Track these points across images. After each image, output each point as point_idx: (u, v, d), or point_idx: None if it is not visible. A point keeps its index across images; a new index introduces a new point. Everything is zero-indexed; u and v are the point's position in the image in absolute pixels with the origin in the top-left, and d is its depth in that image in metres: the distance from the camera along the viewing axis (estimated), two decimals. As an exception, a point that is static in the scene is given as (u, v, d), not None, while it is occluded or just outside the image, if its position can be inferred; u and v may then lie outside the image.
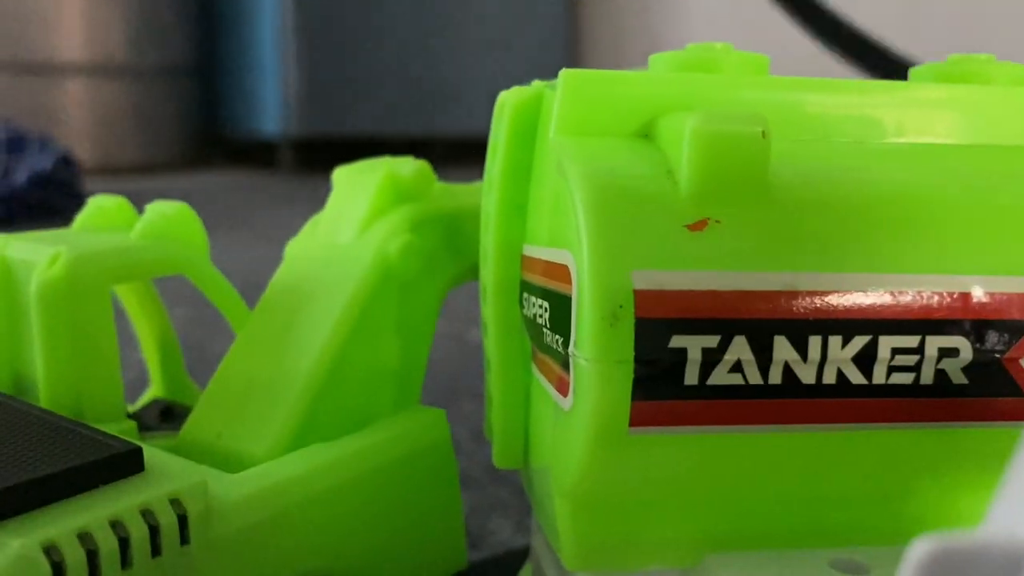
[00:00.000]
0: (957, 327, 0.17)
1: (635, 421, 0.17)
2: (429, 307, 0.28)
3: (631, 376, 0.16)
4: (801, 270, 0.17)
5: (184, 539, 0.20)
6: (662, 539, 0.19)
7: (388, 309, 0.27)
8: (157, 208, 0.27)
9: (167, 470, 0.20)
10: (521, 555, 0.32)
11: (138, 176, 1.68)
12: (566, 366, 0.18)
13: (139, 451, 0.20)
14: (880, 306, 0.17)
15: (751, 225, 0.17)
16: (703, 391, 0.17)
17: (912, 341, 0.17)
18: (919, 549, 0.09)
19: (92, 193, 0.32)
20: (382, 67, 1.74)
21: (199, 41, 1.88)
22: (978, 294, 0.17)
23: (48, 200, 1.10)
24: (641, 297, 0.16)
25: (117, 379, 0.25)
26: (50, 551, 0.17)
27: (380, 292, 0.26)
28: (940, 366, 0.17)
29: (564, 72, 0.19)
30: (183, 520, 0.19)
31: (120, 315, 0.27)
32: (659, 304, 0.16)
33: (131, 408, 0.30)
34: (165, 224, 0.26)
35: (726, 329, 0.17)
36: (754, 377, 0.17)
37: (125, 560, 0.18)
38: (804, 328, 0.17)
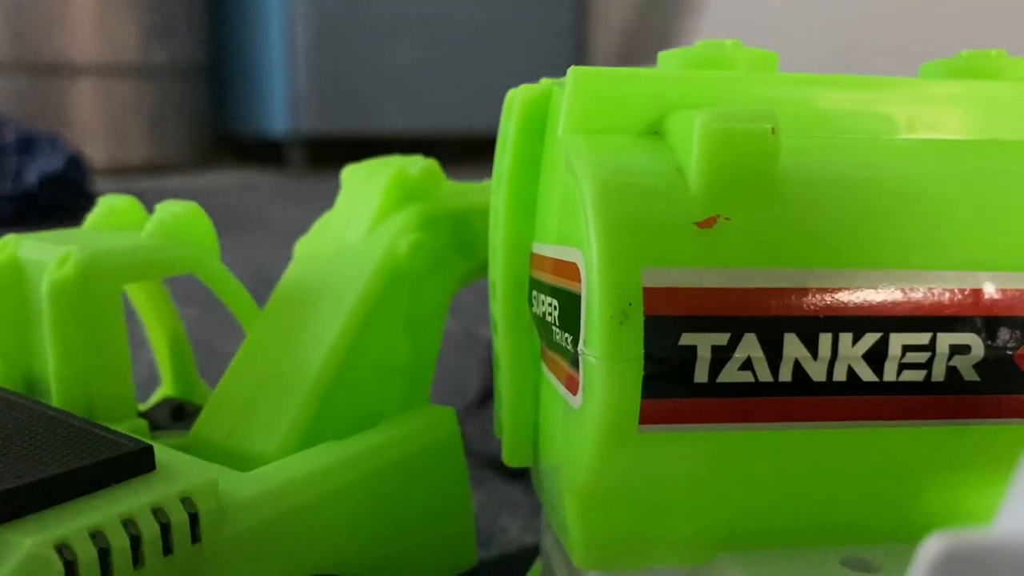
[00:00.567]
0: (968, 324, 0.17)
1: (645, 419, 0.17)
2: (438, 305, 0.28)
3: (641, 374, 0.16)
4: (811, 267, 0.17)
5: (195, 537, 0.20)
6: (673, 537, 0.19)
7: (397, 307, 0.27)
8: (167, 207, 0.27)
9: (178, 469, 0.20)
10: (531, 553, 0.32)
11: (148, 176, 1.69)
12: (576, 364, 0.18)
13: (150, 450, 0.20)
14: (891, 303, 0.17)
15: (761, 222, 0.17)
16: (713, 389, 0.17)
17: (923, 338, 0.17)
18: (931, 547, 0.09)
19: (102, 193, 0.33)
20: (390, 66, 1.74)
21: (208, 41, 1.88)
22: (989, 291, 0.17)
23: (58, 200, 1.11)
24: (650, 295, 0.16)
25: (128, 378, 0.25)
26: (62, 550, 0.17)
27: (389, 290, 0.26)
28: (951, 363, 0.17)
29: (573, 69, 0.19)
30: (194, 519, 0.20)
31: (131, 314, 0.27)
32: (669, 302, 0.16)
33: (142, 407, 0.30)
34: (175, 223, 0.26)
35: (736, 327, 0.17)
36: (764, 375, 0.17)
37: (137, 559, 0.18)
38: (814, 325, 0.17)
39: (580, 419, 0.18)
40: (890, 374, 0.17)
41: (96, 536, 0.18)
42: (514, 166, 0.22)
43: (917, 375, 0.17)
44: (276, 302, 0.27)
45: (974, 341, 0.17)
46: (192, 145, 1.87)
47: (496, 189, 0.23)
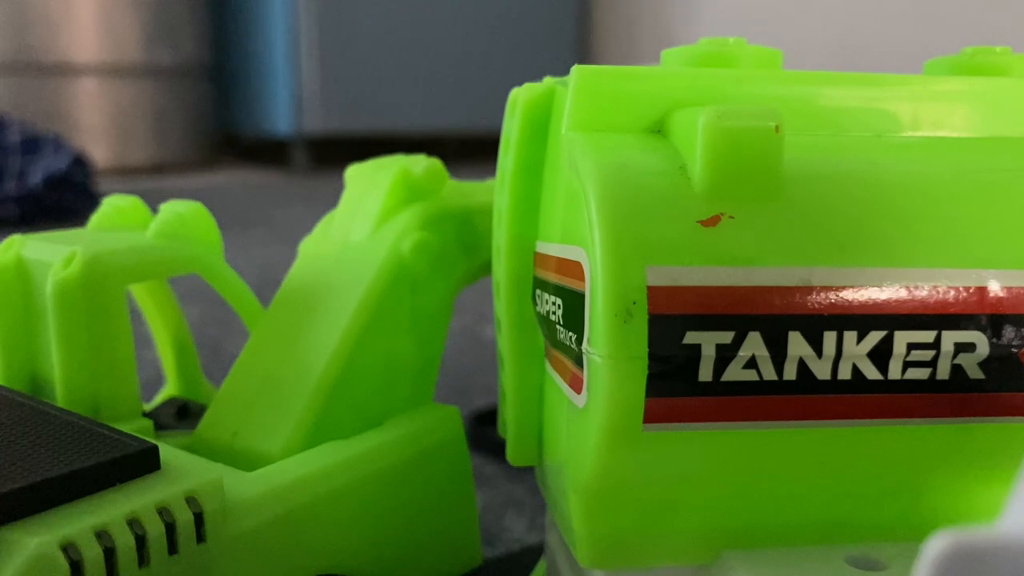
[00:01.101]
0: (973, 322, 0.17)
1: (649, 418, 0.17)
2: (442, 304, 0.28)
3: (645, 373, 0.16)
4: (815, 265, 0.17)
5: (200, 537, 0.20)
6: (678, 536, 0.19)
7: (401, 306, 0.27)
8: (171, 207, 0.27)
9: (183, 468, 0.20)
10: (536, 552, 0.32)
11: (152, 176, 1.69)
12: (580, 363, 0.18)
13: (155, 450, 0.20)
14: (895, 301, 0.17)
15: (765, 220, 0.17)
16: (717, 387, 0.17)
17: (928, 336, 0.17)
18: (936, 546, 0.09)
19: (106, 193, 0.33)
20: (394, 65, 1.74)
21: (212, 41, 1.88)
22: (994, 288, 0.17)
23: (63, 200, 1.11)
24: (654, 293, 0.16)
25: (133, 378, 0.25)
26: (68, 549, 0.17)
27: (393, 289, 0.26)
28: (956, 361, 0.17)
29: (576, 68, 0.19)
30: (199, 518, 0.20)
31: (135, 314, 0.27)
32: (673, 300, 0.16)
33: (147, 407, 0.30)
34: (179, 223, 0.26)
35: (740, 325, 0.17)
36: (769, 373, 0.17)
37: (142, 558, 0.18)
38: (819, 324, 0.17)
39: (584, 418, 0.18)
40: (895, 372, 0.17)
41: (101, 536, 0.18)
42: (517, 165, 0.22)
43: (922, 373, 0.17)
44: (280, 302, 0.27)
45: (979, 339, 0.17)
46: (196, 145, 1.88)
47: (500, 188, 0.23)
